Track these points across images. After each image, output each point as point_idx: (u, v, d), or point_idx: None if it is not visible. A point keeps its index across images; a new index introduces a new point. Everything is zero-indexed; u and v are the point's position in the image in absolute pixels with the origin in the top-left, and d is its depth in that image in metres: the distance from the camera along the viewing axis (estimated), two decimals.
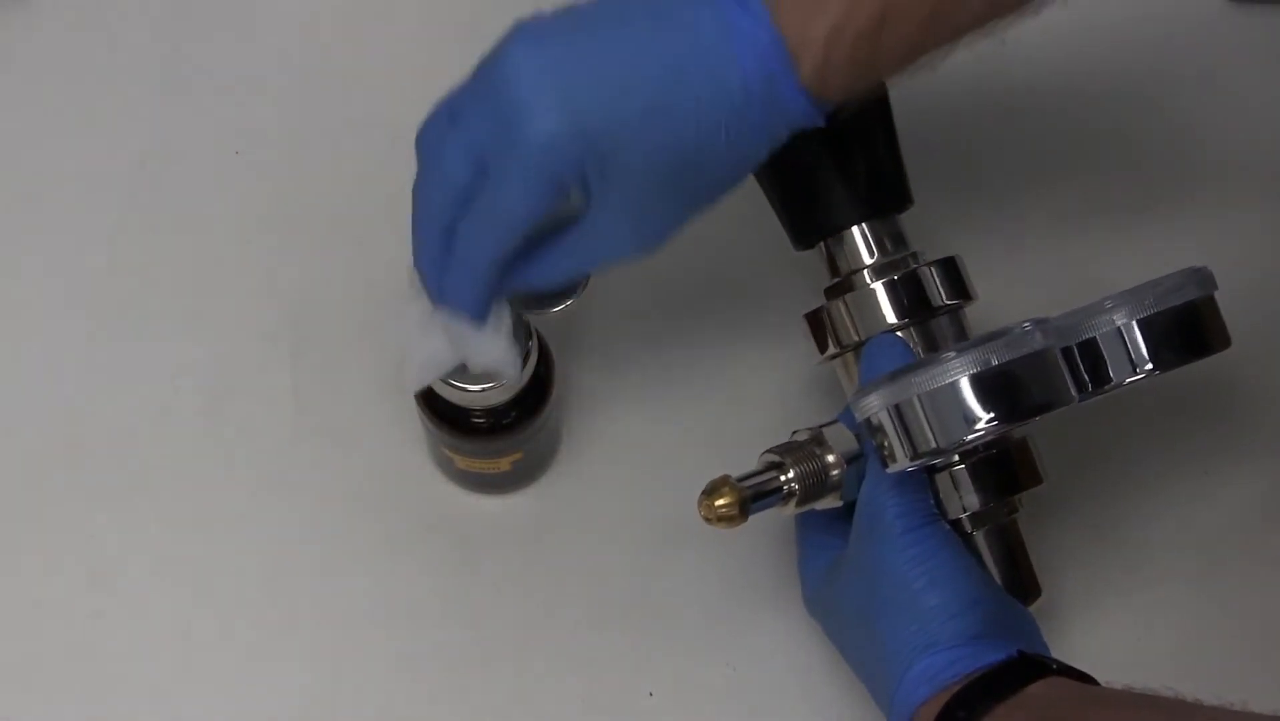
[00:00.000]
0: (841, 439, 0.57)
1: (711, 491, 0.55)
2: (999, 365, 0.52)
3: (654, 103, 0.49)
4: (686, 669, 0.65)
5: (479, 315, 0.54)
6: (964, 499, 0.58)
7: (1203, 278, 0.56)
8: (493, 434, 0.61)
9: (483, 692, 0.64)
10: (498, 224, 0.51)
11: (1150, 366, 0.55)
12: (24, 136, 0.72)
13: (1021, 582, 0.59)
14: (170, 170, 0.72)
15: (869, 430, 0.54)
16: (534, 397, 0.60)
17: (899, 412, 0.53)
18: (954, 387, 0.52)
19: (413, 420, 0.63)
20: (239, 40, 0.75)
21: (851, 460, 0.57)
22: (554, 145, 0.49)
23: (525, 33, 0.50)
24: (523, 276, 0.54)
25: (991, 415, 0.52)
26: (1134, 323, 0.55)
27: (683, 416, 0.68)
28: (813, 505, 0.57)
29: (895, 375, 0.53)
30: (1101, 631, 0.65)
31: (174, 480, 0.67)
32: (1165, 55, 0.75)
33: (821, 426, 0.57)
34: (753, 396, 0.69)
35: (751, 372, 0.69)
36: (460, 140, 0.52)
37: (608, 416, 0.69)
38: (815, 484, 0.56)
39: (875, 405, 0.53)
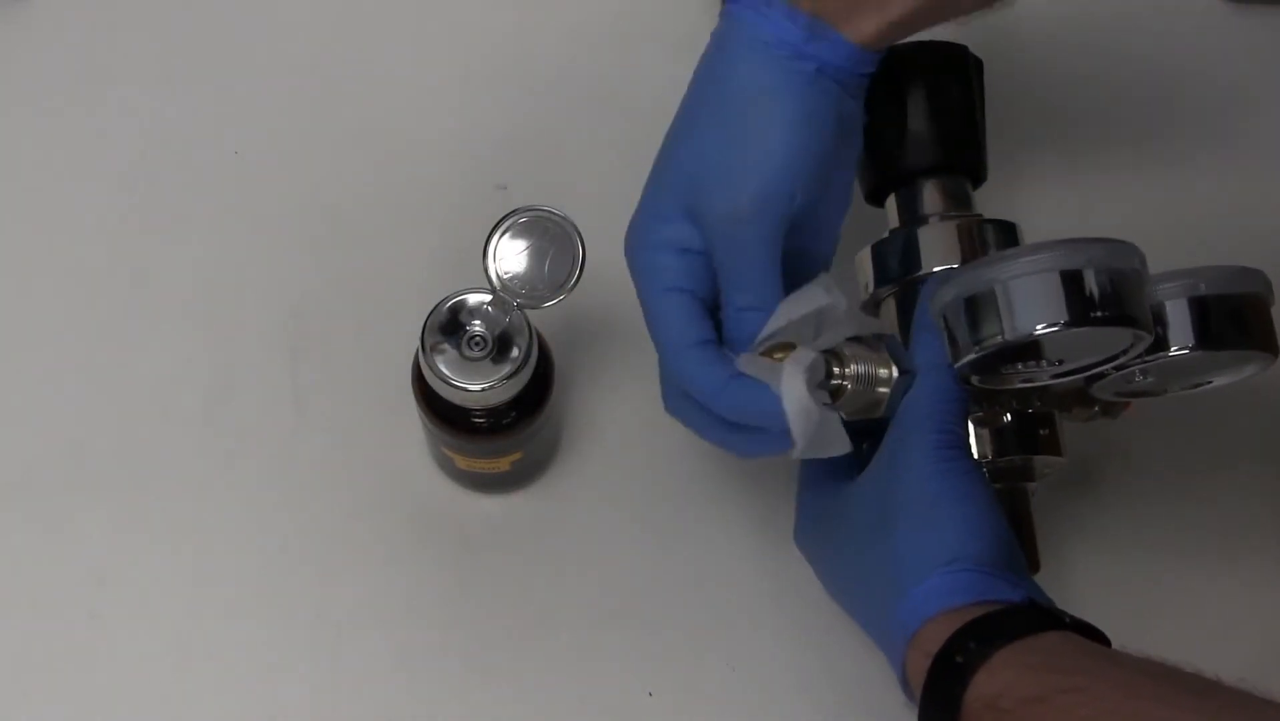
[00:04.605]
0: (900, 354, 0.56)
1: (770, 350, 0.54)
2: (1100, 265, 0.52)
3: (685, 132, 0.56)
4: (686, 669, 0.65)
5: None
6: (990, 444, 0.58)
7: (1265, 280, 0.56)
8: (493, 434, 0.60)
9: (483, 692, 0.64)
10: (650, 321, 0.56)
11: (1196, 343, 0.55)
12: (24, 136, 0.72)
13: (1024, 552, 0.59)
14: (170, 170, 0.72)
15: (949, 312, 0.54)
16: (534, 397, 0.60)
17: (1000, 291, 0.52)
18: (1048, 278, 0.52)
19: (413, 420, 0.63)
20: (239, 40, 0.75)
21: (902, 373, 0.56)
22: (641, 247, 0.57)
23: None
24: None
25: (1081, 313, 0.51)
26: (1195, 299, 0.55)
27: None
28: (845, 411, 0.56)
29: (985, 261, 0.53)
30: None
31: (174, 480, 0.67)
32: (1165, 56, 0.75)
33: (886, 336, 0.57)
34: None
35: None
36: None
37: (608, 417, 0.69)
38: (863, 389, 0.55)
39: (986, 277, 0.53)
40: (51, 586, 0.65)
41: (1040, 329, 0.52)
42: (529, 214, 0.57)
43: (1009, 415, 0.59)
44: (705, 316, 0.55)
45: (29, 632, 0.64)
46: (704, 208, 0.54)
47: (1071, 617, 0.52)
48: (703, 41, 0.56)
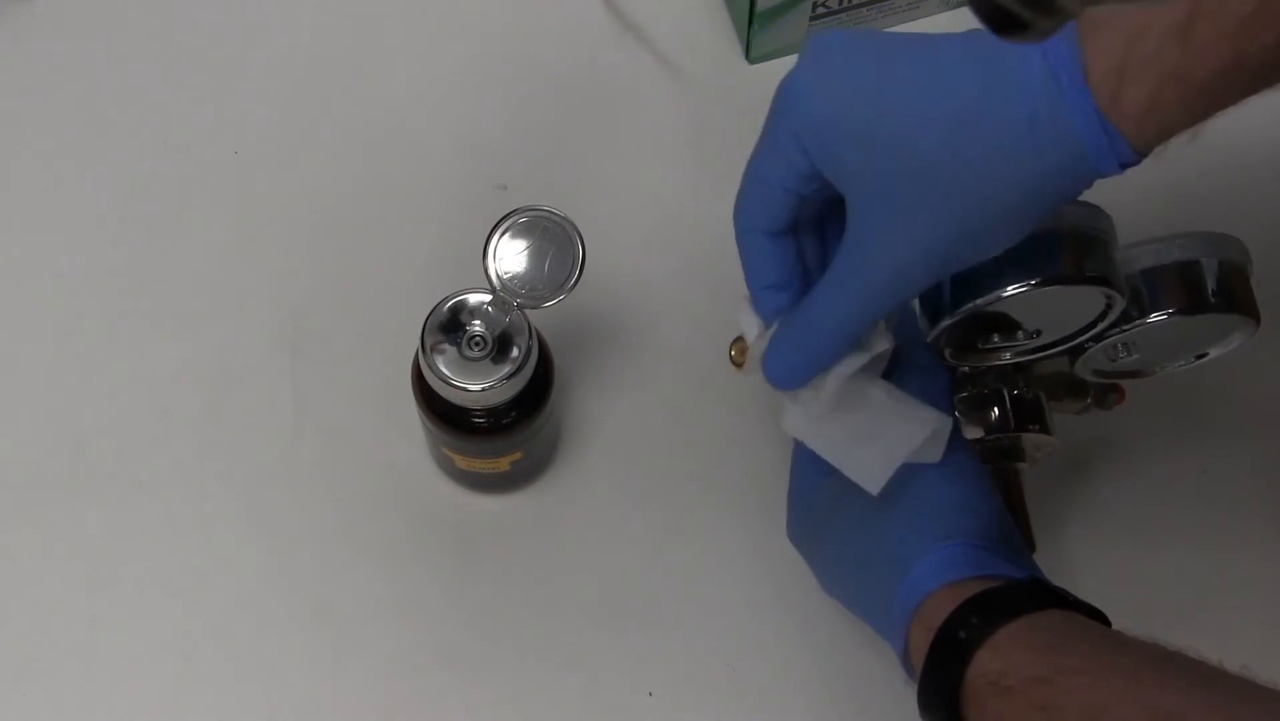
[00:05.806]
0: (882, 334, 0.54)
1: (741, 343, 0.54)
2: (1067, 225, 0.51)
3: (914, 95, 0.46)
4: (686, 669, 0.65)
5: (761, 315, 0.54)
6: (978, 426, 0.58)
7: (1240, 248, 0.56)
8: (493, 434, 0.61)
9: (483, 692, 0.64)
10: (751, 181, 0.51)
11: (1173, 310, 0.54)
12: (24, 136, 0.73)
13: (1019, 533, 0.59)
14: (170, 170, 0.72)
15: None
16: (534, 397, 0.60)
17: None
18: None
19: (413, 420, 0.63)
20: (239, 40, 0.75)
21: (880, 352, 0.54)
22: (807, 114, 0.48)
23: (820, 37, 0.49)
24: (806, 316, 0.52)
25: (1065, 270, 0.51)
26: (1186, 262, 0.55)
27: (683, 416, 0.68)
28: None
29: None
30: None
31: (174, 480, 0.67)
32: None
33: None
34: (752, 396, 0.69)
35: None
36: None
37: (607, 417, 0.69)
38: None
39: None
40: (51, 587, 0.65)
41: (1010, 290, 0.51)
42: (529, 214, 0.57)
43: (996, 410, 0.58)
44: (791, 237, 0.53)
45: (28, 633, 0.64)
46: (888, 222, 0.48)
47: (1074, 597, 0.52)
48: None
